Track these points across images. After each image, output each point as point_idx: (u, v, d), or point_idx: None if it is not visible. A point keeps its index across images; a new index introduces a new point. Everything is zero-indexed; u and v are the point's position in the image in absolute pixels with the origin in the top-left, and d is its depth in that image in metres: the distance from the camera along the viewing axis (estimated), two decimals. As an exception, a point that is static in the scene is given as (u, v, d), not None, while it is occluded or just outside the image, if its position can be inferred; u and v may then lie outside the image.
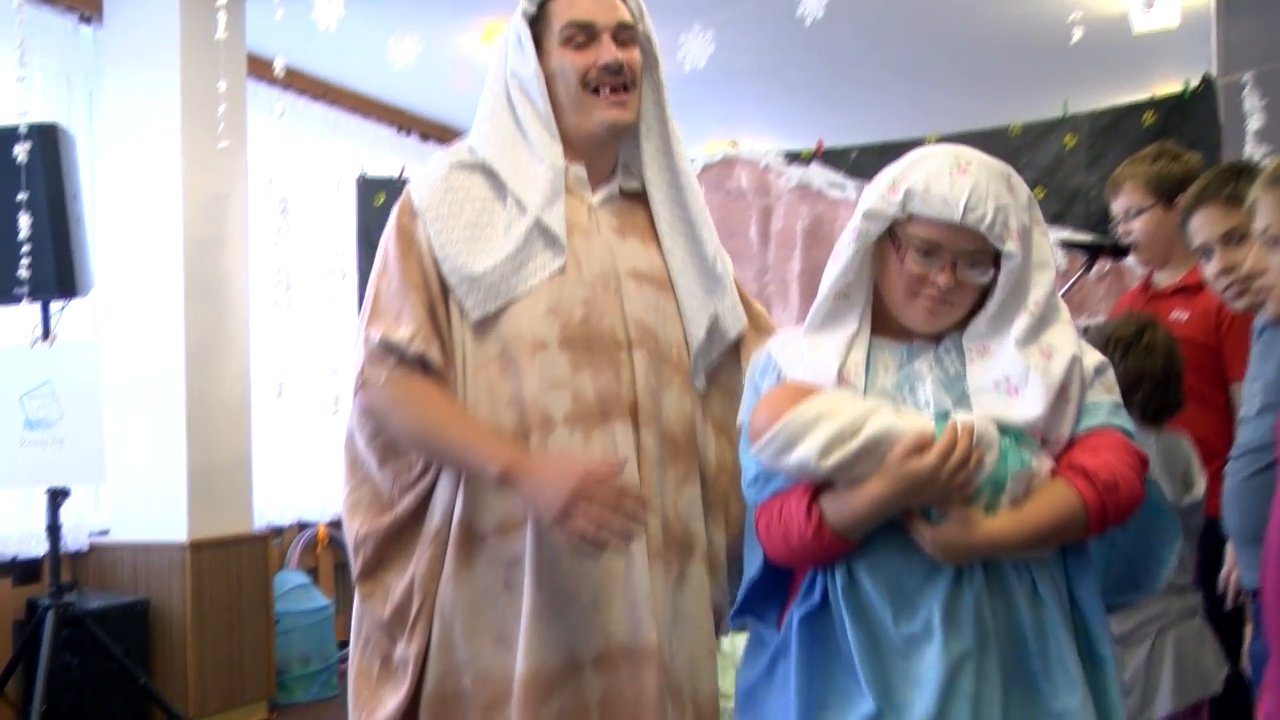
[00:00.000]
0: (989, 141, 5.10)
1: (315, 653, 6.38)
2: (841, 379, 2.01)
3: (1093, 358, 2.03)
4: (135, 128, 5.74)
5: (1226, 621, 3.16)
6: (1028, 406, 1.94)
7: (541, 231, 2.38)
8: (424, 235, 2.38)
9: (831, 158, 5.44)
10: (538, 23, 2.48)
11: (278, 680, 6.14)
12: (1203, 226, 2.84)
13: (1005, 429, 1.92)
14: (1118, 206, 3.68)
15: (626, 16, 2.48)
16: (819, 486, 1.96)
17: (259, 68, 6.21)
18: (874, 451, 1.87)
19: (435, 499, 2.38)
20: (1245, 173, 2.72)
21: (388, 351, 2.35)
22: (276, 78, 5.97)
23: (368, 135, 7.66)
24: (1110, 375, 2.04)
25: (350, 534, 2.44)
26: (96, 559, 5.72)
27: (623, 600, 2.30)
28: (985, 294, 2.02)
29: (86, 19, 5.87)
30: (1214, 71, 5.11)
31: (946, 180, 1.94)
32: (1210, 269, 2.83)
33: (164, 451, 5.62)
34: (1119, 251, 3.91)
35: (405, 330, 2.34)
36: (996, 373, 1.97)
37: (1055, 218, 4.98)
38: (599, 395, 2.35)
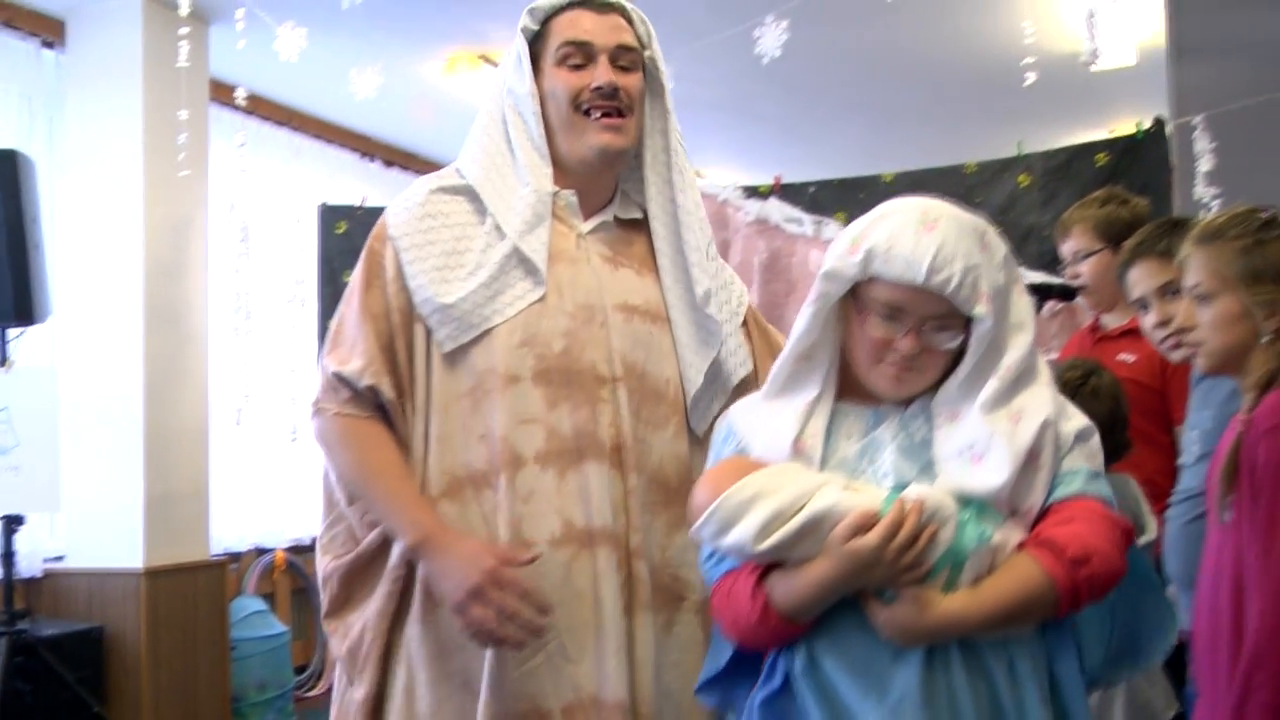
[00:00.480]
0: (945, 179, 5.18)
1: (271, 679, 6.36)
2: (797, 449, 1.89)
3: (1074, 423, 1.88)
4: (97, 154, 5.73)
5: (1176, 662, 3.20)
6: (989, 475, 1.80)
7: (520, 260, 2.28)
8: (393, 262, 2.31)
9: (789, 192, 5.49)
10: (538, 41, 2.41)
11: (233, 708, 6.12)
12: (1139, 280, 2.91)
13: (967, 500, 1.79)
14: (1066, 249, 3.74)
15: (628, 39, 2.39)
16: (769, 565, 1.83)
17: (222, 93, 6.21)
18: (815, 531, 1.76)
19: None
20: (1180, 226, 2.79)
21: (340, 383, 2.29)
22: (239, 105, 5.97)
23: (330, 161, 7.66)
24: (1095, 442, 1.90)
25: (319, 571, 2.38)
26: (51, 586, 5.69)
27: (594, 652, 2.20)
28: (960, 356, 1.89)
29: (49, 44, 5.86)
30: (1167, 113, 5.19)
31: (910, 239, 1.81)
32: (1148, 321, 2.89)
33: (120, 478, 5.60)
34: (1068, 293, 3.97)
35: (356, 363, 2.27)
36: (961, 440, 1.83)
37: (1009, 256, 5.03)
38: (575, 433, 2.24)
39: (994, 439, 1.81)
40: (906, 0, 4.72)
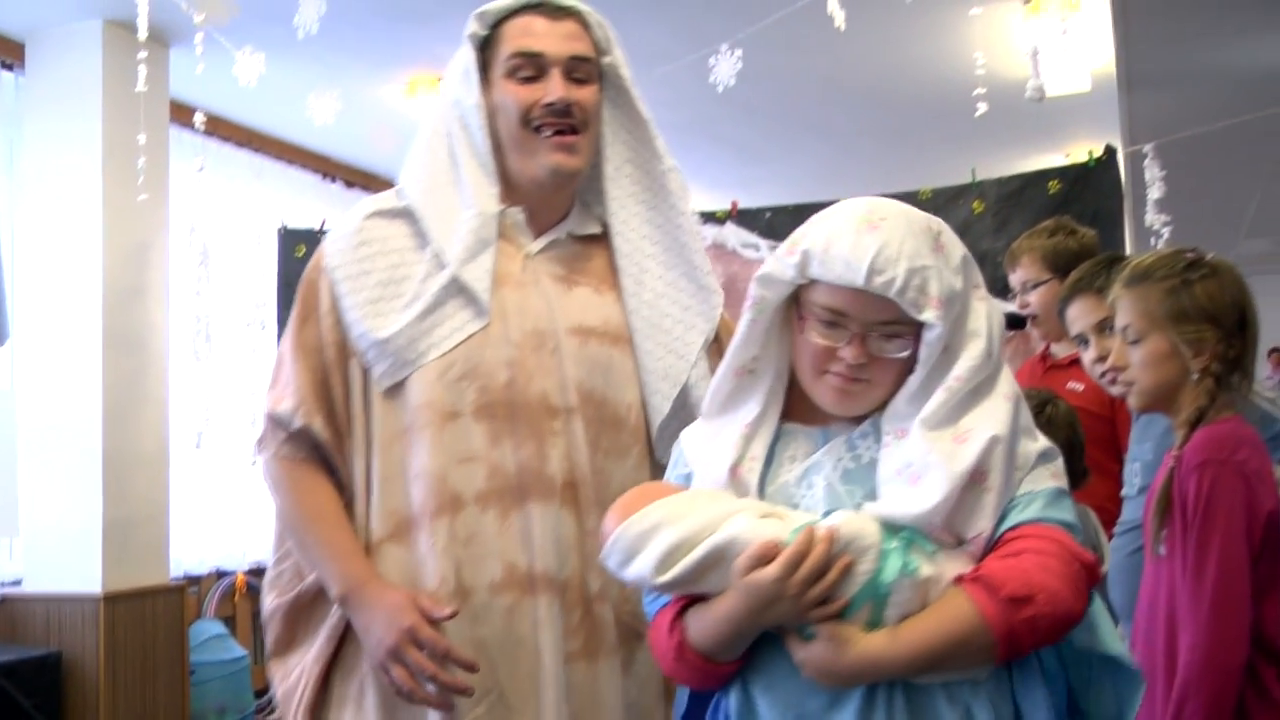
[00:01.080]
0: (900, 205, 5.22)
1: (231, 704, 6.34)
2: (734, 476, 1.73)
3: (1035, 443, 1.71)
4: (56, 176, 5.72)
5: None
6: (919, 499, 1.61)
7: (459, 289, 2.13)
8: (329, 294, 2.18)
9: (746, 218, 5.54)
10: (487, 48, 2.24)
11: (192, 732, 6.11)
12: (1077, 317, 2.97)
13: (897, 528, 1.62)
14: (1015, 279, 3.78)
15: (583, 49, 2.22)
16: (691, 600, 1.71)
17: (182, 114, 6.22)
18: (719, 564, 1.62)
19: None
20: (1116, 263, 2.84)
21: (276, 424, 2.19)
22: (199, 128, 5.98)
23: (292, 182, 7.66)
24: (1058, 463, 1.72)
25: (264, 608, 2.27)
26: (7, 611, 5.66)
27: (535, 702, 2.07)
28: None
29: (8, 66, 5.85)
30: (1120, 141, 5.26)
31: (850, 238, 1.65)
32: (1087, 357, 2.95)
33: (79, 502, 5.58)
34: (1017, 322, 4.02)
35: (289, 403, 2.16)
36: (900, 459, 1.66)
37: (963, 282, 5.09)
38: (519, 470, 2.09)
39: (931, 458, 1.62)
40: (859, 29, 4.75)
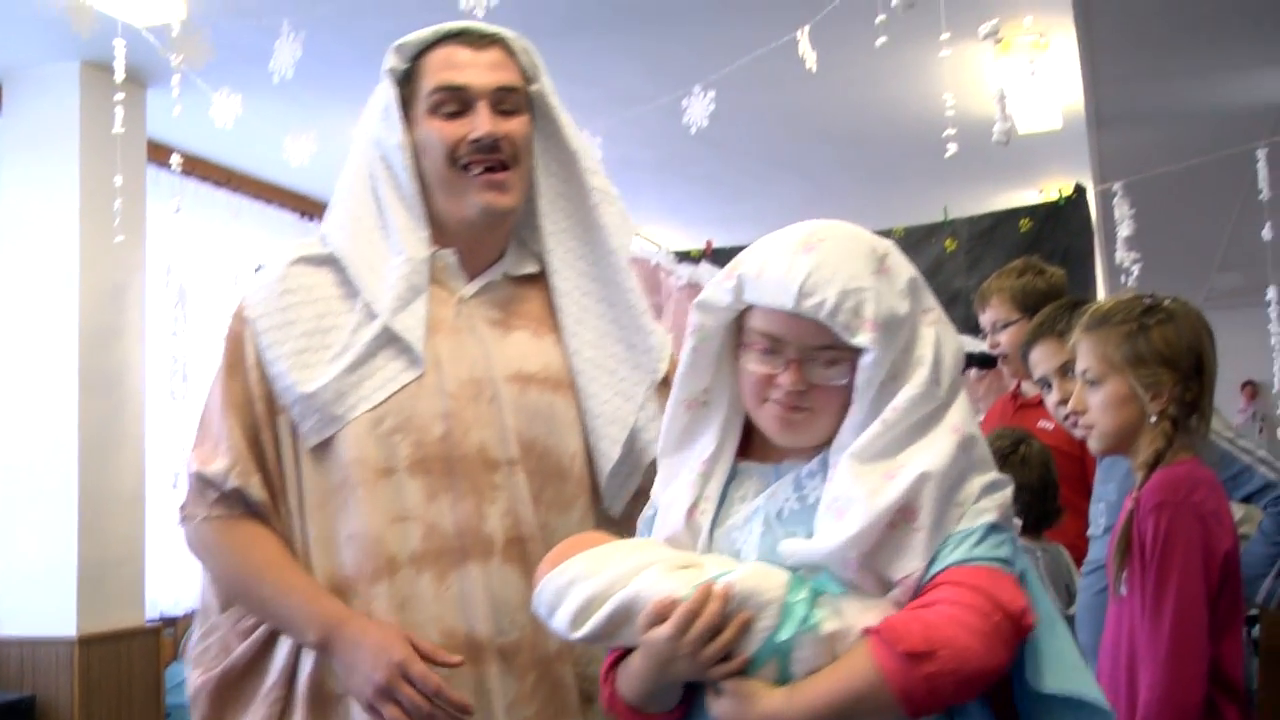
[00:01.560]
0: (873, 243, 5.27)
1: (207, 744, 6.30)
2: (690, 519, 1.65)
3: (979, 477, 1.58)
4: (33, 216, 5.74)
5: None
6: (828, 538, 1.52)
7: (391, 338, 1.99)
8: (253, 346, 2.03)
9: (721, 257, 5.56)
10: (408, 83, 2.09)
11: (168, 774, 6.08)
12: (1040, 361, 3.01)
13: (809, 575, 1.54)
14: (985, 319, 3.82)
15: (510, 78, 2.08)
16: (626, 651, 1.64)
17: (160, 155, 6.24)
18: (628, 620, 1.56)
19: (275, 651, 2.00)
20: (1077, 308, 2.88)
21: (206, 485, 2.01)
22: (176, 169, 6.00)
23: (270, 221, 7.67)
24: (1005, 493, 1.60)
25: (188, 688, 2.08)
26: (-18, 653, 5.65)
27: None
28: None
29: (-14, 108, 5.88)
30: (1090, 178, 5.32)
31: (784, 261, 1.59)
32: (1050, 400, 2.99)
33: (54, 544, 5.56)
34: (988, 361, 4.05)
35: (221, 462, 1.99)
36: (829, 495, 1.56)
37: (936, 320, 5.14)
38: (458, 529, 1.96)
39: (855, 492, 1.53)
40: (831, 68, 4.80)
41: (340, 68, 5.78)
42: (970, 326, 5.03)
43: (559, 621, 1.62)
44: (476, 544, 1.96)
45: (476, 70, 2.05)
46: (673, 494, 1.69)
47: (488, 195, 2.04)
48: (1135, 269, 5.25)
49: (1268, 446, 3.31)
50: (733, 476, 1.69)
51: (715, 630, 1.50)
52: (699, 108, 4.84)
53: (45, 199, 5.73)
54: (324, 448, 1.98)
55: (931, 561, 1.52)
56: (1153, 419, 2.32)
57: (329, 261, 2.07)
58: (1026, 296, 3.69)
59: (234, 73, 5.26)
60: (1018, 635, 1.49)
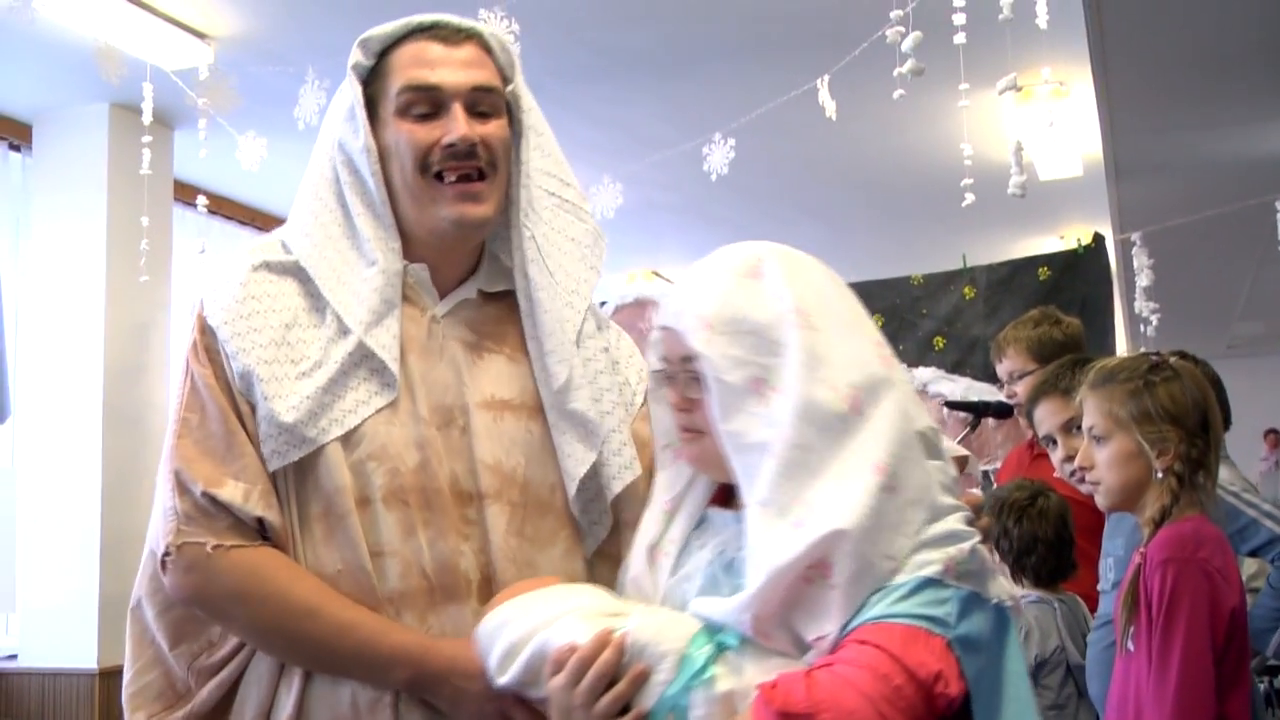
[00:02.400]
0: (892, 290, 5.31)
1: (224, 781, 6.32)
2: (652, 558, 1.60)
3: (928, 526, 1.42)
4: (61, 255, 5.82)
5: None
6: (728, 599, 1.44)
7: (365, 356, 1.79)
8: (224, 357, 1.79)
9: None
10: (374, 81, 1.87)
11: (185, 809, 6.08)
12: (1044, 418, 3.03)
13: (716, 628, 1.46)
14: (1002, 369, 3.83)
15: (486, 78, 1.87)
16: None
17: (185, 194, 6.31)
18: (540, 668, 1.52)
19: (244, 693, 1.79)
20: (1080, 365, 2.89)
21: (217, 509, 1.75)
22: (201, 209, 6.07)
23: (294, 260, 7.71)
24: (957, 548, 1.42)
25: None
26: (3, 686, 5.69)
27: None
28: None
29: (16, 147, 5.96)
30: (1110, 226, 5.34)
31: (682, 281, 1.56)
32: (1055, 456, 3.01)
33: (77, 578, 5.61)
34: (1004, 411, 4.06)
35: (238, 486, 1.74)
36: (749, 549, 1.45)
37: (955, 366, 5.17)
38: (438, 568, 1.77)
39: (758, 544, 1.41)
40: (851, 116, 4.84)
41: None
42: (990, 374, 5.05)
43: (490, 666, 1.58)
44: (456, 584, 1.77)
45: (450, 68, 1.84)
46: (641, 528, 1.65)
47: (461, 206, 1.83)
48: (1154, 318, 5.26)
49: (1285, 497, 3.31)
50: (702, 523, 1.61)
51: (609, 681, 1.45)
52: (719, 155, 4.89)
53: (73, 237, 5.81)
54: (303, 473, 1.77)
55: (856, 615, 1.39)
56: (1159, 475, 2.34)
57: (293, 270, 1.85)
58: (1043, 347, 3.70)
59: (259, 115, 5.33)
60: (927, 704, 1.34)
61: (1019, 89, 4.14)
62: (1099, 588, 2.88)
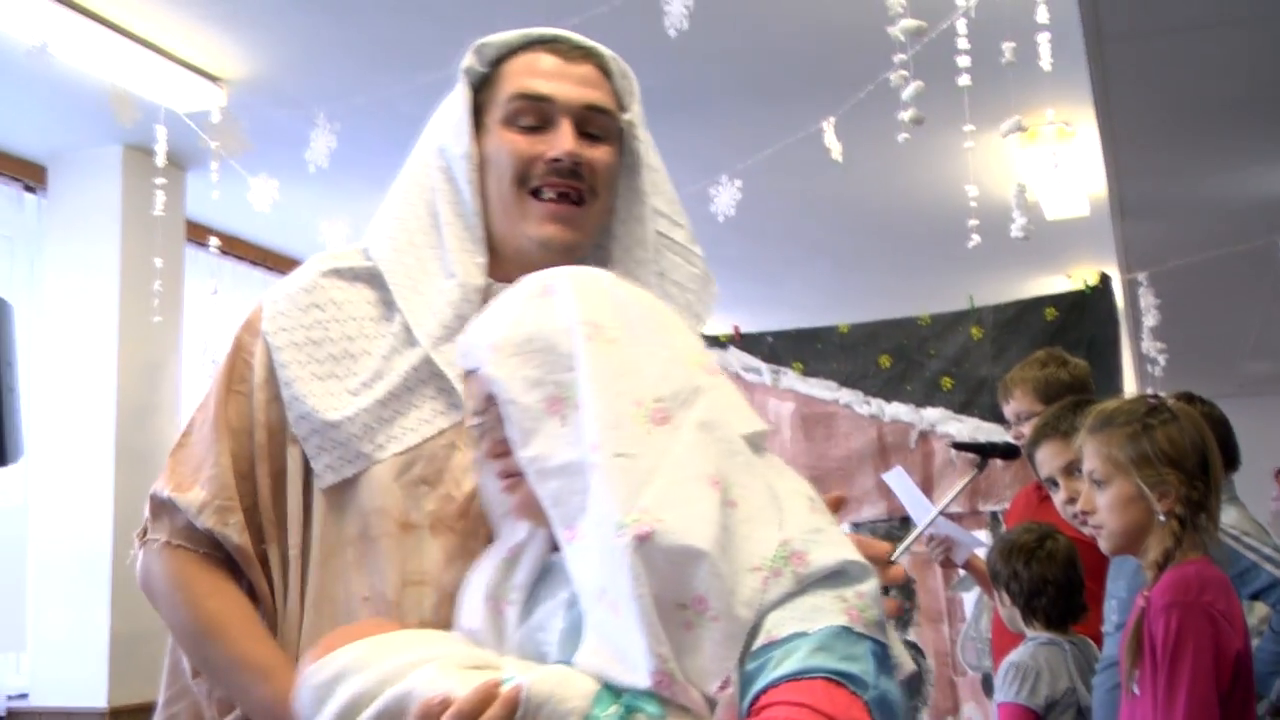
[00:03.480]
0: (899, 330, 5.32)
1: (233, 821, 6.31)
2: (492, 607, 1.46)
3: (824, 552, 1.29)
4: (74, 297, 5.85)
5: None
6: (617, 652, 1.28)
7: (433, 373, 1.70)
8: (264, 364, 1.73)
9: (748, 342, 5.60)
10: (485, 89, 1.79)
11: None
12: (1045, 461, 3.05)
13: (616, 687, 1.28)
14: (1009, 411, 3.84)
15: (601, 99, 1.77)
16: None
17: (199, 235, 6.35)
18: None
19: None
20: (1081, 407, 2.91)
21: (172, 510, 1.72)
22: (214, 250, 6.11)
23: (306, 301, 7.74)
24: (854, 590, 1.29)
25: None
26: (14, 725, 5.70)
27: None
28: None
29: (30, 188, 6.00)
30: (1117, 266, 5.35)
31: None
32: (1057, 499, 3.02)
33: (88, 617, 5.61)
34: (1011, 452, 4.07)
35: (199, 493, 1.69)
36: (595, 585, 1.31)
37: (962, 407, 5.17)
38: None
39: (617, 578, 1.26)
40: (858, 157, 4.88)
41: (375, 155, 5.87)
42: (998, 414, 5.06)
43: None
44: None
45: (564, 83, 1.75)
46: (471, 585, 1.51)
47: (551, 227, 1.72)
48: (1162, 359, 5.28)
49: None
50: (545, 573, 1.46)
51: None
52: (726, 196, 4.92)
53: (86, 278, 5.84)
54: (342, 491, 1.68)
55: (758, 674, 1.25)
56: (1161, 519, 2.36)
57: (367, 276, 1.78)
58: (1049, 388, 3.72)
59: (271, 158, 5.37)
60: None
61: (1024, 129, 4.16)
62: (1103, 629, 2.89)
